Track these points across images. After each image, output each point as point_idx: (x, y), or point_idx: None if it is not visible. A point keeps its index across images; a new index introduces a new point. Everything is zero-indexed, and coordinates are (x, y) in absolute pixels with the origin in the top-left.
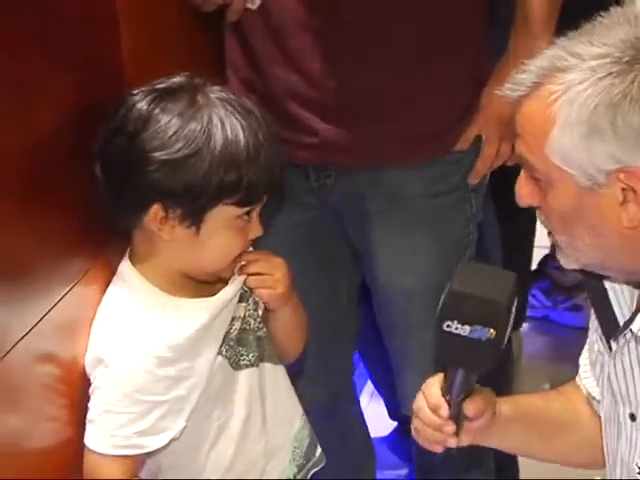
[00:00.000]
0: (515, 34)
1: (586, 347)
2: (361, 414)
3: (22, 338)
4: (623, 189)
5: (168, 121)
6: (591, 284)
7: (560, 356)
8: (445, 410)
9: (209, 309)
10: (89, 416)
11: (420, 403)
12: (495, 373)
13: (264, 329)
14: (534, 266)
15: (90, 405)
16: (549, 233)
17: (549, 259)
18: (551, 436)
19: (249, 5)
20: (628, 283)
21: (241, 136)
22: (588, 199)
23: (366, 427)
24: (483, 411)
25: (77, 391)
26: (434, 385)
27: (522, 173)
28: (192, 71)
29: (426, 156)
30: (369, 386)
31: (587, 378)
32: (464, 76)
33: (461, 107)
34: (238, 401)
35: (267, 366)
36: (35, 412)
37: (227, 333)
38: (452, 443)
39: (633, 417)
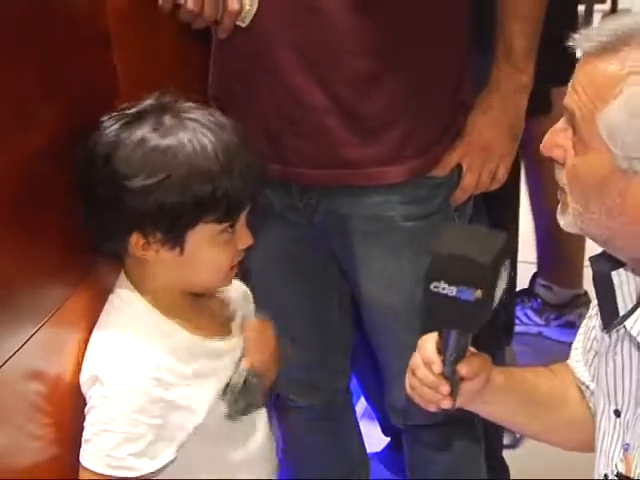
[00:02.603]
0: (497, 65)
1: (580, 330)
2: (357, 425)
3: (9, 358)
4: None
5: (134, 146)
6: (598, 271)
7: None
8: (438, 366)
9: (211, 347)
10: (85, 435)
11: (416, 360)
12: None
13: (255, 377)
14: (525, 285)
15: (86, 424)
16: (560, 191)
17: (537, 278)
18: (538, 411)
19: (239, 23)
20: (633, 270)
21: (209, 149)
22: (617, 181)
23: (362, 438)
24: (477, 373)
25: (65, 411)
26: (430, 341)
27: (560, 122)
28: (183, 89)
29: (404, 177)
30: (362, 402)
31: (578, 362)
32: (444, 99)
33: (440, 130)
34: (233, 446)
35: (258, 412)
36: (22, 431)
37: (229, 382)
38: (446, 404)
39: (617, 413)
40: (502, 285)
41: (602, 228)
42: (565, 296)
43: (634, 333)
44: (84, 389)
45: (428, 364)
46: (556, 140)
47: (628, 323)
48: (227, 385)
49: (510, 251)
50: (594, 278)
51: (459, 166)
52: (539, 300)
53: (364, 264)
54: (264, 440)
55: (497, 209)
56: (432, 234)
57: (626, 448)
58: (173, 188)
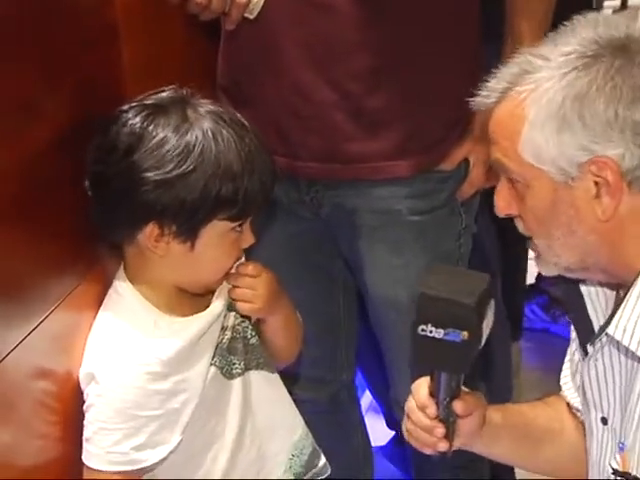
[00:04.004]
0: (505, 59)
1: (567, 358)
2: (362, 419)
3: (10, 352)
4: (596, 182)
5: (161, 139)
6: (567, 290)
7: (560, 368)
8: (432, 410)
9: (200, 322)
10: (85, 434)
11: (410, 404)
12: (499, 387)
13: (256, 337)
14: (531, 280)
15: (85, 423)
16: (528, 241)
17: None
18: (538, 445)
19: (247, 14)
20: (606, 285)
21: (234, 148)
22: (563, 195)
23: (366, 432)
24: (472, 410)
25: (68, 406)
26: (422, 386)
27: (499, 183)
28: (192, 83)
29: (411, 171)
30: (367, 396)
31: (569, 390)
32: (452, 92)
33: (448, 124)
34: (232, 410)
35: (262, 374)
36: (24, 426)
37: (219, 343)
38: (443, 446)
39: (605, 421)
40: (489, 324)
41: (571, 250)
42: None
43: (618, 337)
44: (82, 386)
45: (422, 408)
46: (503, 199)
47: (610, 329)
48: (216, 348)
49: (492, 293)
50: (564, 292)
51: (466, 160)
52: (546, 296)
53: (370, 258)
54: (273, 407)
55: None
56: (438, 228)
57: (621, 447)
58: (196, 183)
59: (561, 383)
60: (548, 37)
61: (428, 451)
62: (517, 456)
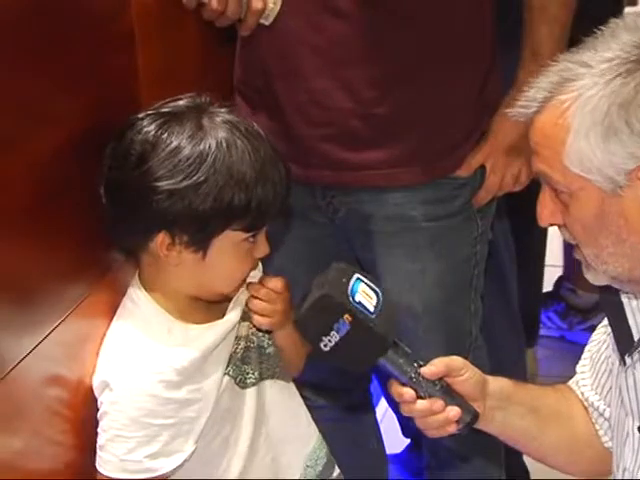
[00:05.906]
0: (523, 67)
1: (586, 355)
2: (377, 426)
3: (22, 359)
4: None
5: (175, 147)
6: (608, 299)
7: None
8: (409, 393)
9: (215, 332)
10: (99, 441)
11: (401, 406)
12: None
13: (272, 346)
14: (549, 287)
15: (99, 430)
16: (575, 250)
17: (563, 281)
18: (548, 421)
19: (262, 21)
20: None
21: (247, 159)
22: (611, 204)
23: (381, 439)
24: (442, 365)
25: (79, 413)
26: (391, 384)
27: (542, 192)
28: (207, 90)
29: (427, 178)
30: (383, 403)
31: (585, 386)
32: (467, 99)
33: (464, 131)
34: (246, 419)
35: (277, 383)
36: (36, 433)
37: (233, 353)
38: (454, 414)
39: None
40: (370, 293)
41: (620, 259)
42: (590, 300)
43: None
44: (96, 394)
45: (402, 398)
46: (546, 209)
47: None
48: (230, 358)
49: (348, 271)
50: (603, 300)
51: (482, 167)
52: (563, 304)
53: (385, 264)
54: (287, 417)
55: (521, 212)
56: (454, 235)
57: None
58: (208, 194)
59: (578, 378)
60: (584, 44)
61: (453, 428)
62: (529, 432)
